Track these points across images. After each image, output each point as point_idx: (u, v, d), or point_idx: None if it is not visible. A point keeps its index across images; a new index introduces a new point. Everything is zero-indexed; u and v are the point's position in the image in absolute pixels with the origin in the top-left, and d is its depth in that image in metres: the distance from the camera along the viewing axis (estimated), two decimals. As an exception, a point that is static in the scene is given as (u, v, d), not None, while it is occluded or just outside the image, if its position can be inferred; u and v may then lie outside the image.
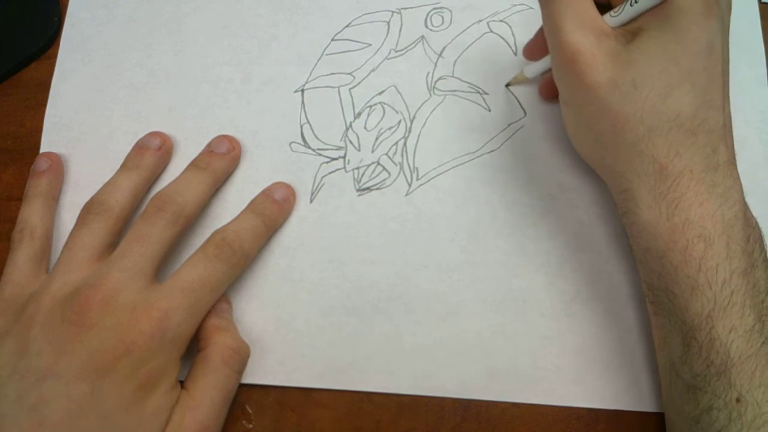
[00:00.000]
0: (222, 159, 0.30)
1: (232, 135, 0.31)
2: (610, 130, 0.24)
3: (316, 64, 0.32)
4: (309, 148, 0.31)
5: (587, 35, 0.23)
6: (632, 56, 0.23)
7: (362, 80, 0.32)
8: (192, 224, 0.29)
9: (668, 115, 0.23)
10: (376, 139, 0.31)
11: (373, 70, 0.32)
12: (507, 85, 0.31)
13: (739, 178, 0.23)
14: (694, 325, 0.22)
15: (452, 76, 0.32)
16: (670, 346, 0.24)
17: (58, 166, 0.31)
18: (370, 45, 0.33)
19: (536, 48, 0.29)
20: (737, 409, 0.21)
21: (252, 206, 0.29)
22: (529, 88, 0.31)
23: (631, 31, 0.24)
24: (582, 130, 0.26)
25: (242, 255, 0.27)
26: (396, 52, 0.32)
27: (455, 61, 0.32)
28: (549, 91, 0.30)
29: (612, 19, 0.24)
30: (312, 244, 0.30)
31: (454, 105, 0.31)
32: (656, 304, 0.24)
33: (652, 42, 0.23)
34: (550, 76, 0.28)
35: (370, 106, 0.32)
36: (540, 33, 0.28)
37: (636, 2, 0.23)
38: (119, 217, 0.28)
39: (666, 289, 0.23)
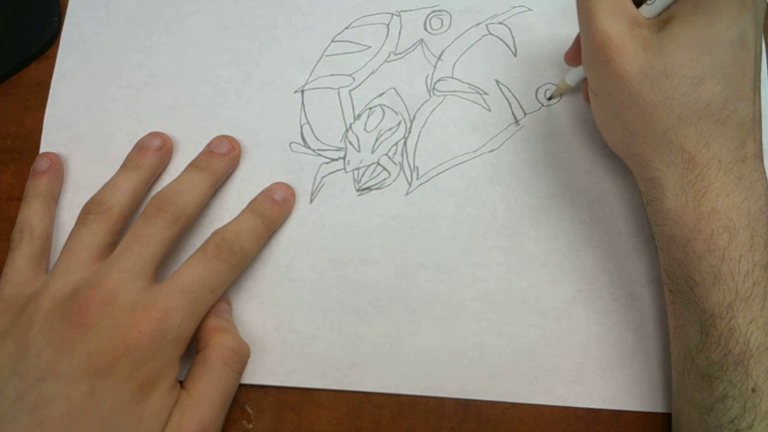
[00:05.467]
0: (222, 159, 0.30)
1: (232, 135, 0.31)
2: (639, 118, 0.24)
3: (316, 65, 0.32)
4: (309, 148, 0.31)
5: (620, 23, 0.23)
6: (663, 43, 0.23)
7: (362, 82, 0.32)
8: (192, 224, 0.29)
9: (698, 105, 0.23)
10: (376, 140, 0.31)
11: (372, 73, 0.32)
12: (549, 98, 0.31)
13: (765, 171, 0.24)
14: (715, 314, 0.22)
15: (452, 78, 0.32)
16: (686, 335, 0.24)
17: (57, 166, 0.31)
18: (370, 47, 0.33)
19: (578, 52, 0.29)
20: (752, 400, 0.22)
21: (252, 206, 0.29)
22: (529, 88, 0.31)
23: (663, 20, 0.24)
24: (610, 118, 0.26)
25: (242, 255, 0.27)
26: (395, 55, 0.32)
27: (454, 64, 0.32)
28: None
29: (647, 8, 0.24)
30: (312, 244, 0.30)
31: (454, 105, 0.31)
32: (675, 292, 0.24)
33: (684, 30, 0.23)
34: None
35: (370, 108, 0.32)
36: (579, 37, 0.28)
37: None
38: (119, 218, 0.28)
39: (687, 277, 0.23)
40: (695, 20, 0.23)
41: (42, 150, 0.32)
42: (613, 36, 0.23)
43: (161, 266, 0.27)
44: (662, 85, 0.23)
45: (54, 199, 0.30)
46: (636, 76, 0.23)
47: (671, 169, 0.24)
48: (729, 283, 0.22)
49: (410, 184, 0.30)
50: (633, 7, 0.24)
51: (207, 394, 0.25)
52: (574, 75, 0.29)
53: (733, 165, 0.23)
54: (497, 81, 0.32)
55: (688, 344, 0.24)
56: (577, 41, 0.28)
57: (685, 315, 0.24)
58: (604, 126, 0.27)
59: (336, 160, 0.31)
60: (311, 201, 0.30)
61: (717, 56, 0.23)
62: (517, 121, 0.31)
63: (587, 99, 0.30)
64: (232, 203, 0.30)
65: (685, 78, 0.23)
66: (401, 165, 0.31)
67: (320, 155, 0.31)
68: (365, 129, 0.31)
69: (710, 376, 0.23)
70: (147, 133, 0.31)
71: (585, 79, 0.29)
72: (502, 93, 0.31)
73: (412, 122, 0.31)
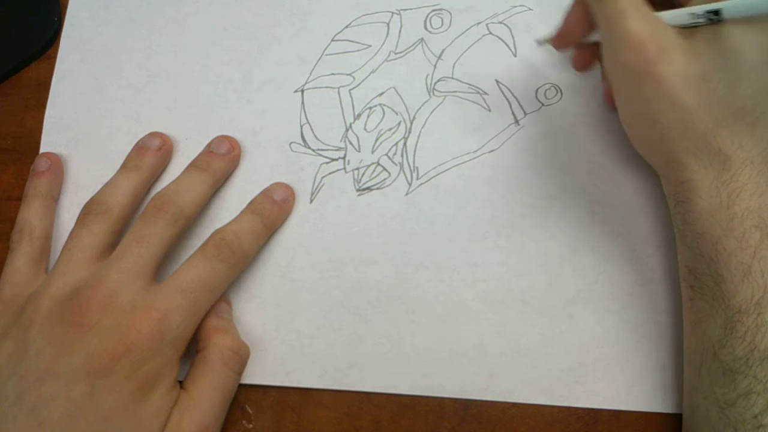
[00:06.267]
0: (222, 159, 0.30)
1: (232, 135, 0.31)
2: (678, 123, 0.24)
3: (316, 65, 0.32)
4: (309, 148, 0.31)
5: (650, 24, 0.23)
6: (696, 49, 0.23)
7: (362, 81, 0.32)
8: (192, 224, 0.29)
9: (733, 108, 0.23)
10: (376, 140, 0.31)
11: (372, 72, 0.32)
12: (538, 43, 0.31)
13: None
14: (742, 310, 0.22)
15: (452, 78, 0.32)
16: (707, 330, 0.24)
17: (57, 166, 0.31)
18: (370, 46, 0.33)
19: (568, 37, 0.28)
20: None
21: (251, 206, 0.29)
22: (529, 88, 0.31)
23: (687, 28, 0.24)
24: (646, 125, 0.25)
25: (241, 255, 0.27)
26: (395, 54, 0.32)
27: (454, 64, 0.32)
28: (583, 62, 0.29)
29: (670, 16, 0.24)
30: (312, 244, 0.30)
31: (454, 105, 0.31)
32: (697, 288, 0.24)
33: (716, 36, 0.23)
34: (588, 46, 0.28)
35: (370, 108, 0.32)
36: (571, 18, 0.27)
37: (714, 17, 0.23)
38: (119, 218, 0.28)
39: (714, 273, 0.23)
40: (725, 28, 0.23)
41: (42, 150, 0.32)
42: (647, 38, 0.23)
43: (161, 266, 0.27)
44: (700, 88, 0.23)
45: (54, 199, 0.30)
46: (675, 80, 0.23)
47: (708, 170, 0.24)
48: (758, 280, 0.22)
49: (410, 184, 0.30)
50: (649, 9, 0.24)
51: (206, 394, 0.25)
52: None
53: (764, 166, 0.23)
54: (497, 81, 0.32)
55: (709, 340, 0.24)
56: (569, 22, 0.27)
57: (707, 310, 0.24)
58: (636, 133, 0.26)
59: (336, 160, 0.31)
60: (311, 201, 0.30)
61: (750, 59, 0.23)
62: (517, 121, 0.31)
63: (609, 101, 0.29)
64: (232, 203, 0.30)
65: (722, 81, 0.23)
66: (401, 165, 0.31)
67: (320, 155, 0.31)
68: (365, 129, 0.31)
69: (733, 371, 0.22)
70: (147, 133, 0.31)
71: (605, 82, 0.29)
72: (502, 93, 0.31)
73: (412, 122, 0.31)
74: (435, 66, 0.32)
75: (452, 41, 0.32)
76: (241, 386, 0.27)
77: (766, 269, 0.22)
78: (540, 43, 0.31)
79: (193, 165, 0.30)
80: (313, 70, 0.32)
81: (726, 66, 0.23)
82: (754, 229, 0.23)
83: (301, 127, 0.32)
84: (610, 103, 0.30)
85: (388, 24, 0.33)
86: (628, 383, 0.27)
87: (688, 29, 0.24)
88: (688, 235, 0.25)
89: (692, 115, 0.23)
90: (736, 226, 0.23)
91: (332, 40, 0.33)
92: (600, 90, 0.31)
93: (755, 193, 0.23)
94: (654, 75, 0.23)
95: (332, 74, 0.32)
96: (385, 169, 0.31)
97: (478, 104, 0.31)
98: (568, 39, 0.28)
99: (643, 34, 0.23)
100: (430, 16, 0.33)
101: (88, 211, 0.28)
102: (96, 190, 0.29)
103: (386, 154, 0.31)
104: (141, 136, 0.31)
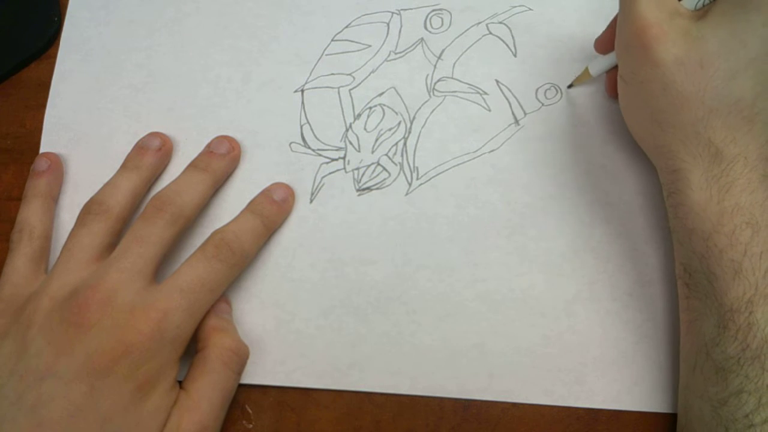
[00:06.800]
0: (222, 159, 0.30)
1: (232, 135, 0.31)
2: (669, 108, 0.24)
3: (316, 65, 0.32)
4: (309, 148, 0.31)
5: (661, 11, 0.24)
6: (701, 33, 0.23)
7: (362, 81, 0.32)
8: (191, 225, 0.29)
9: (729, 99, 0.23)
10: (376, 140, 0.31)
11: (372, 72, 0.32)
12: (569, 87, 0.31)
13: None
14: (733, 309, 0.22)
15: (452, 78, 0.32)
16: (701, 329, 0.24)
17: (57, 166, 0.31)
18: (370, 46, 0.33)
19: (609, 40, 0.29)
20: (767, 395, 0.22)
21: (251, 206, 0.29)
22: (529, 88, 0.31)
23: (704, 11, 0.24)
24: (639, 108, 0.26)
25: (241, 255, 0.27)
26: (395, 54, 0.32)
27: (454, 64, 0.32)
28: (616, 89, 0.30)
29: (689, 1, 0.24)
30: (312, 244, 0.30)
31: (454, 105, 0.31)
32: (692, 286, 0.24)
33: (723, 20, 0.23)
34: (616, 73, 0.28)
35: (370, 108, 0.32)
36: (613, 24, 0.28)
37: None
38: (119, 218, 0.28)
39: (707, 271, 0.23)
40: (734, 12, 0.23)
41: (42, 150, 0.32)
42: (652, 22, 0.23)
43: (161, 266, 0.27)
44: (696, 75, 0.23)
45: (54, 199, 0.30)
46: (671, 64, 0.23)
47: (697, 161, 0.24)
48: (749, 278, 0.22)
49: (410, 184, 0.30)
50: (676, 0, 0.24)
51: (206, 394, 0.25)
52: (597, 65, 0.29)
53: (759, 162, 0.23)
54: (497, 81, 0.32)
55: (702, 338, 0.24)
56: (611, 27, 0.28)
57: (701, 309, 0.24)
58: (631, 116, 0.27)
59: (336, 160, 0.31)
60: (311, 201, 0.30)
61: (752, 51, 0.23)
62: (517, 121, 0.31)
63: (610, 92, 0.30)
64: (232, 203, 0.30)
65: (720, 70, 0.23)
66: (401, 165, 0.31)
67: (320, 155, 0.31)
68: (365, 129, 0.31)
69: (725, 370, 0.22)
70: (147, 133, 0.31)
71: (609, 72, 0.29)
72: (502, 93, 0.31)
73: (412, 122, 0.31)
74: (435, 66, 0.32)
75: (452, 41, 0.32)
76: (241, 386, 0.27)
77: (757, 267, 0.22)
78: (573, 85, 0.31)
79: (193, 165, 0.30)
80: (313, 70, 0.32)
81: (727, 54, 0.23)
82: (744, 225, 0.23)
83: (301, 127, 0.32)
84: (610, 93, 0.30)
85: (388, 24, 0.33)
86: (627, 383, 0.27)
87: (702, 13, 0.24)
88: (680, 231, 0.25)
89: (683, 101, 0.23)
90: (726, 222, 0.23)
91: (332, 40, 0.33)
92: (600, 90, 0.31)
93: (746, 189, 0.23)
94: (651, 59, 0.23)
95: (332, 74, 0.32)
96: (385, 169, 0.31)
97: (478, 104, 0.31)
98: (609, 43, 0.28)
99: (650, 19, 0.23)
100: (430, 16, 0.33)
101: (87, 211, 0.28)
102: (96, 190, 0.29)
103: (386, 154, 0.31)
104: (141, 136, 0.31)
